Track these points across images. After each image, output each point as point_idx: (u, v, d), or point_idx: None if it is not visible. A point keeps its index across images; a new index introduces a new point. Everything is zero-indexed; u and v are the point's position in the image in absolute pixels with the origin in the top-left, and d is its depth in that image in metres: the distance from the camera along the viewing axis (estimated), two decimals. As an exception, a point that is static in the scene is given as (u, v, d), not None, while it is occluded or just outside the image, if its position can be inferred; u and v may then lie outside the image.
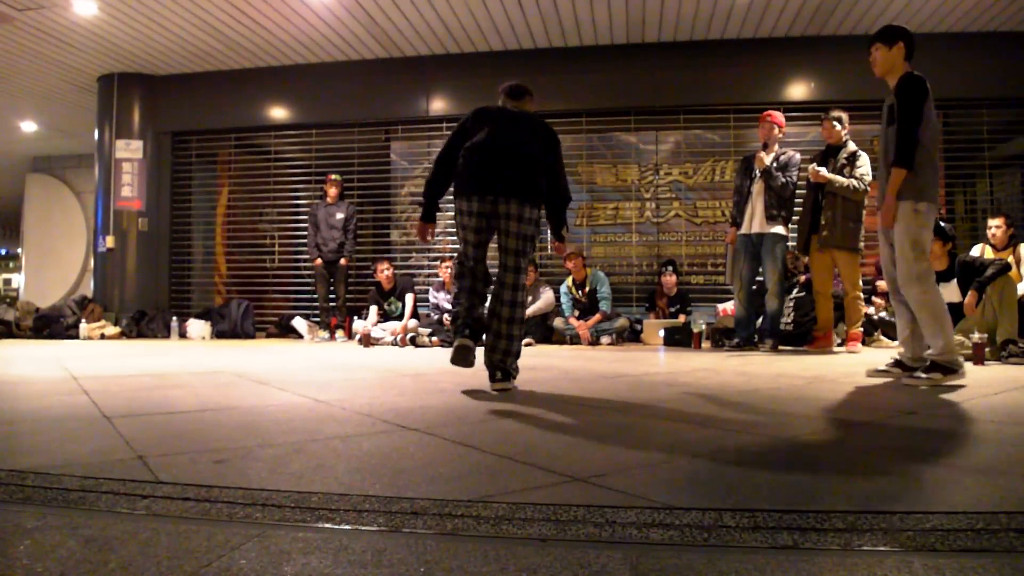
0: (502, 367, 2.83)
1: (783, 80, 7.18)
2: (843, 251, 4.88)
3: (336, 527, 1.07)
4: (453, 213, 3.02)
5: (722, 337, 5.68)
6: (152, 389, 2.84)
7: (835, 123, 4.96)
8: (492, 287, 3.00)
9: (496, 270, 2.96)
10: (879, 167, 3.23)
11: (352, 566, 0.91)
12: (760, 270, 5.20)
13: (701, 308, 6.85)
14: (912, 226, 2.99)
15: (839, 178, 4.81)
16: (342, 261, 7.04)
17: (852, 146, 4.95)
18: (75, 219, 11.23)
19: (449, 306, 6.49)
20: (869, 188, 4.85)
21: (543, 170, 2.98)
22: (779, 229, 5.07)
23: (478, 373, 2.96)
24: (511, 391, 2.77)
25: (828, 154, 5.01)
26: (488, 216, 2.90)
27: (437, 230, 7.83)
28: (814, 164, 4.93)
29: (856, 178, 4.80)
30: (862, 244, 4.95)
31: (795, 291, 5.61)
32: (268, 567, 0.90)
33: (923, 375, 2.94)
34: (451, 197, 3.02)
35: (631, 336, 6.67)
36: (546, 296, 6.49)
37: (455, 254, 6.82)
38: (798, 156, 5.19)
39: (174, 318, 7.45)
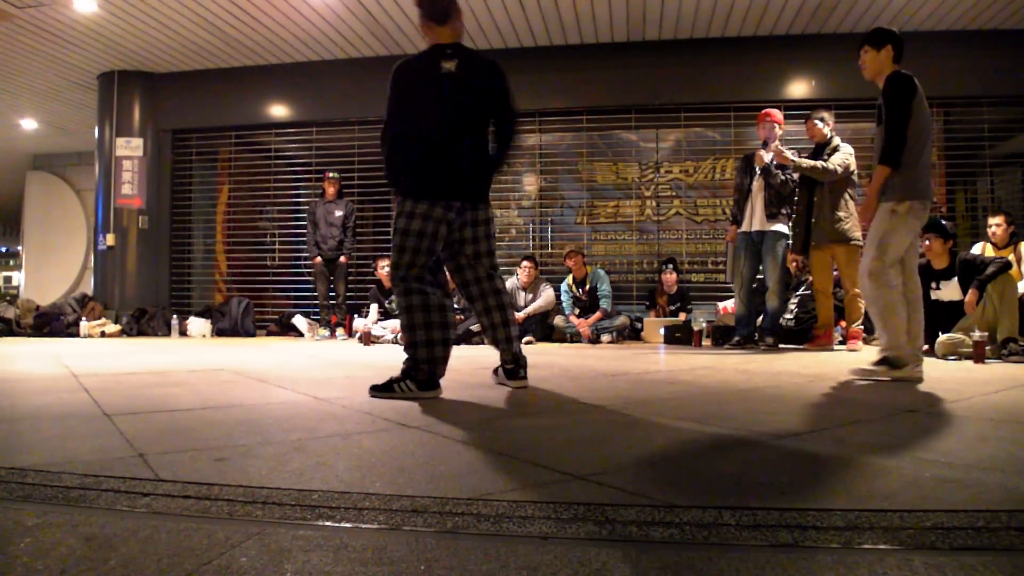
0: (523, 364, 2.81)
1: (783, 78, 7.18)
2: (841, 246, 4.89)
3: (337, 525, 1.07)
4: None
5: (722, 335, 5.68)
6: (152, 387, 2.84)
7: (817, 122, 5.05)
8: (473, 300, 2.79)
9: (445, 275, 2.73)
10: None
11: (353, 564, 0.91)
12: (760, 268, 5.20)
13: (701, 306, 6.86)
14: (882, 224, 3.02)
15: (805, 161, 4.90)
16: (342, 259, 7.05)
17: (836, 141, 5.00)
18: (75, 217, 11.23)
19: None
20: (839, 170, 4.83)
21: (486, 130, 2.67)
22: (780, 227, 5.07)
23: (477, 372, 2.96)
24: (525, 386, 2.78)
25: (817, 152, 5.05)
26: (448, 223, 2.60)
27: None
28: (776, 144, 4.99)
29: (824, 160, 4.87)
30: (859, 234, 4.91)
31: (803, 288, 5.61)
32: (268, 565, 0.90)
33: (870, 367, 3.06)
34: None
35: (631, 334, 6.67)
36: (546, 294, 6.49)
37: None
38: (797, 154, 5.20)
39: (174, 316, 7.46)
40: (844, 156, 4.89)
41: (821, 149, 5.02)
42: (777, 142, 5.01)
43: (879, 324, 3.07)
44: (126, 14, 6.56)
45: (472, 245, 2.70)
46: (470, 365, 3.94)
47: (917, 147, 3.01)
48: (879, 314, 3.05)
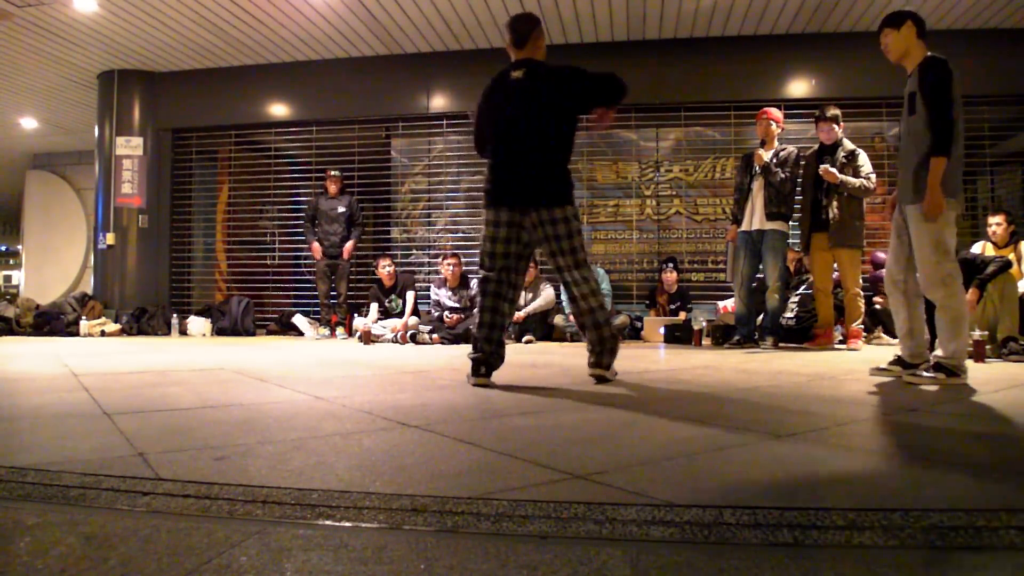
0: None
1: (784, 77, 7.17)
2: (846, 249, 4.91)
3: (336, 524, 1.07)
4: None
5: (722, 334, 5.68)
6: (152, 386, 2.84)
7: (834, 124, 4.99)
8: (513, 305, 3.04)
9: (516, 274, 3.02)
10: (900, 158, 3.10)
11: (353, 563, 0.90)
12: (761, 267, 5.20)
13: (702, 305, 6.86)
14: (932, 225, 2.87)
15: (852, 179, 4.83)
16: (347, 246, 7.02)
17: (849, 144, 4.97)
18: (75, 216, 11.23)
19: (450, 303, 6.49)
20: (876, 187, 4.89)
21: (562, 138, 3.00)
22: (780, 226, 5.07)
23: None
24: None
25: (823, 152, 5.02)
26: (520, 226, 2.93)
27: (438, 226, 7.94)
28: (826, 165, 4.92)
29: (864, 178, 4.84)
30: (863, 241, 5.00)
31: (803, 287, 5.61)
32: (268, 564, 0.90)
33: (926, 374, 2.91)
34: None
35: (632, 333, 6.67)
36: (546, 293, 6.49)
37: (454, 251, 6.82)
38: (797, 152, 5.18)
39: (174, 315, 7.45)
40: (870, 166, 4.91)
41: (829, 150, 4.99)
42: (827, 164, 4.92)
43: (950, 333, 2.86)
44: (126, 13, 6.56)
45: (552, 243, 2.90)
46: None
47: (958, 139, 2.88)
48: (954, 321, 2.86)
